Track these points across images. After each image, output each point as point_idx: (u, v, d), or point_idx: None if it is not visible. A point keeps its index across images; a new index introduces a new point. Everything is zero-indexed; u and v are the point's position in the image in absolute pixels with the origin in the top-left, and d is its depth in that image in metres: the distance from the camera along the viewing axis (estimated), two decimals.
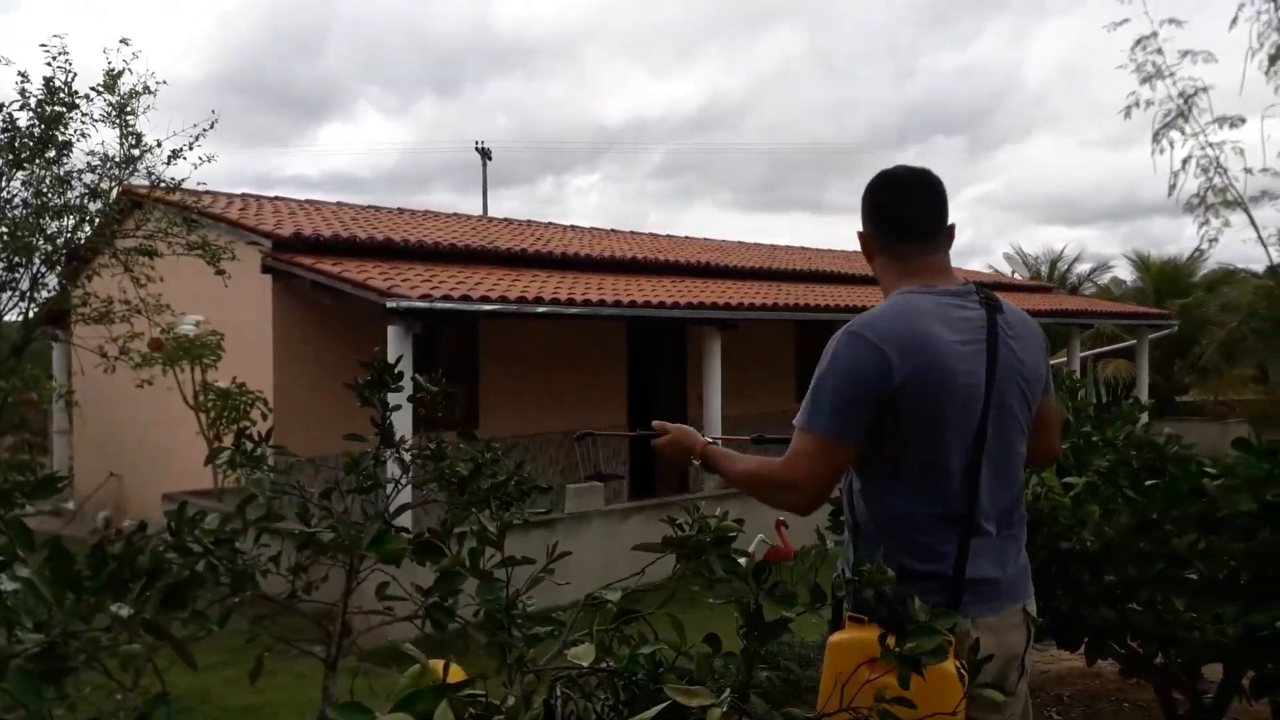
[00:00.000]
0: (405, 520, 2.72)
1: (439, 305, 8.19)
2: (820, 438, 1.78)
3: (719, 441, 2.17)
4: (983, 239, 78.26)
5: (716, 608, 1.80)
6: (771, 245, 19.02)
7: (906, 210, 1.94)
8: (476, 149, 30.79)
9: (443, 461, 2.80)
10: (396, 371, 2.73)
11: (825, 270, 15.48)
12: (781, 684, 1.78)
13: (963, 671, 1.59)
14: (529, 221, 15.70)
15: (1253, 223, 8.18)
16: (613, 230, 16.64)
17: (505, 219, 15.68)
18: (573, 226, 16.18)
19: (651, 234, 17.29)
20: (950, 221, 1.95)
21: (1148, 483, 3.12)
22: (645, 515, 9.22)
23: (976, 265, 33.03)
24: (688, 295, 10.66)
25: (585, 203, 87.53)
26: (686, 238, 17.70)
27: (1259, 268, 13.93)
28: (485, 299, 8.60)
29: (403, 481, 2.81)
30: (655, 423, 2.25)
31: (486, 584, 1.85)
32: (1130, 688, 4.28)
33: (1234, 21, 8.00)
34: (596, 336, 11.65)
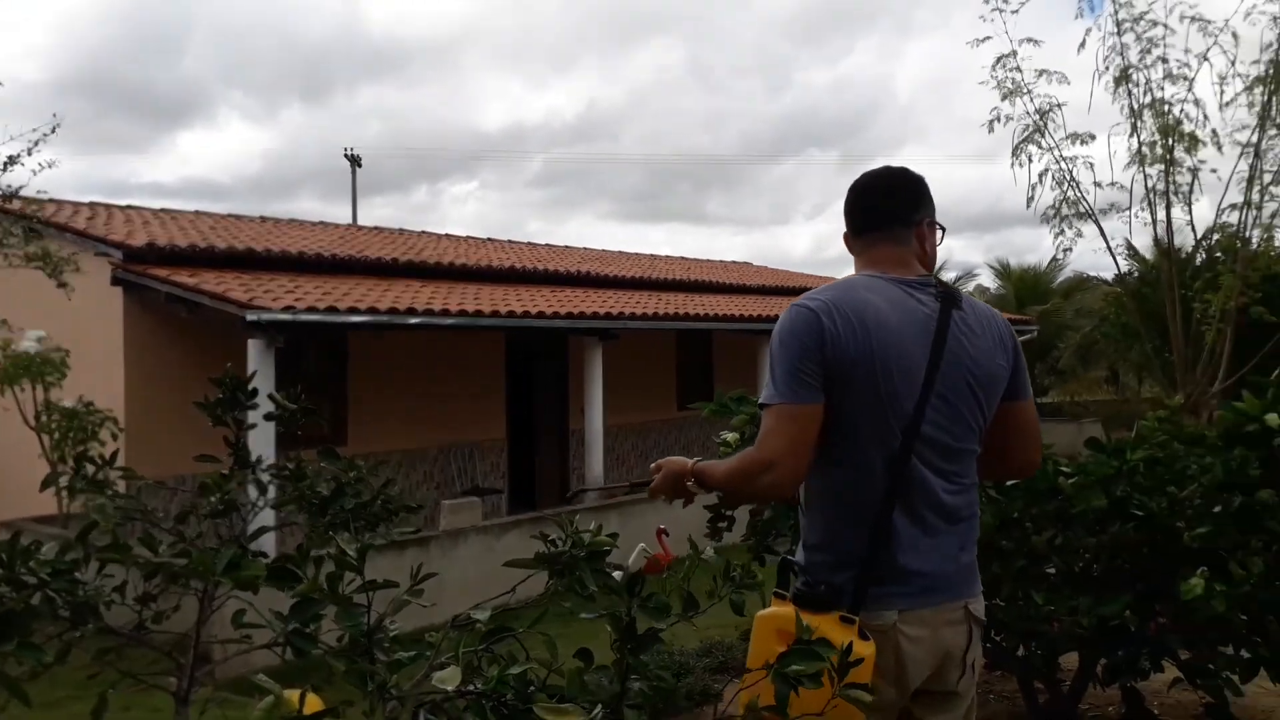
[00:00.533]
0: (269, 543, 2.58)
1: (304, 317, 7.88)
2: (779, 407, 1.77)
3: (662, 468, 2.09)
4: None
5: (592, 622, 1.76)
6: (652, 255, 19.19)
7: (865, 203, 2.00)
8: (346, 156, 29.98)
9: (302, 482, 2.67)
10: (251, 388, 2.58)
11: (706, 280, 15.71)
12: (655, 694, 1.76)
13: (834, 672, 1.60)
14: (401, 230, 15.35)
15: (1102, 234, 8.71)
16: (490, 239, 16.45)
17: (376, 228, 15.28)
18: (448, 235, 15.92)
19: (530, 243, 17.17)
20: (928, 220, 1.97)
21: (1008, 483, 3.23)
22: (525, 530, 9.09)
23: (850, 273, 33.97)
24: (568, 305, 10.61)
25: (462, 211, 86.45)
26: (566, 247, 17.66)
27: (1109, 275, 14.85)
28: (354, 310, 8.33)
29: (259, 504, 2.66)
30: (652, 466, 2.16)
31: (345, 610, 1.76)
32: (995, 679, 4.43)
33: (1082, 45, 8.53)
34: (473, 348, 11.46)
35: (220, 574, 2.07)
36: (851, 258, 2.02)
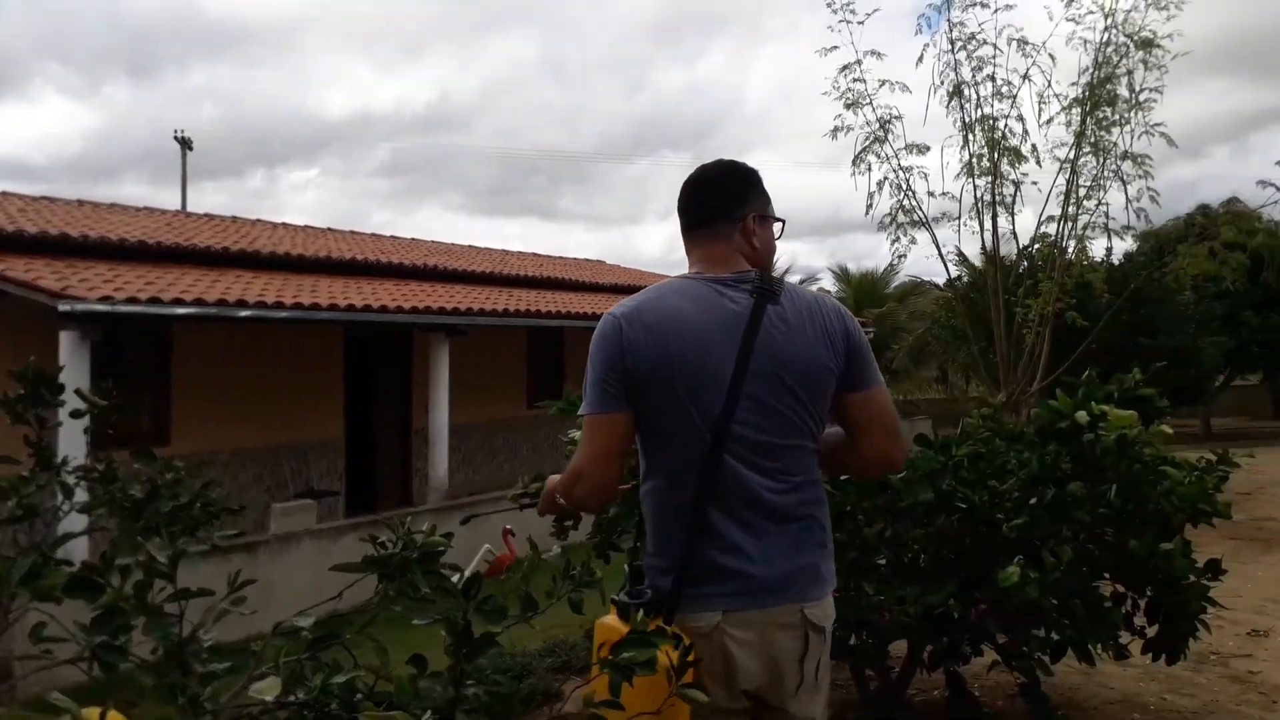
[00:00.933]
0: (79, 550, 2.37)
1: (123, 309, 7.38)
2: (587, 418, 1.79)
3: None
4: None
5: (429, 628, 1.70)
6: (503, 250, 18.96)
7: (694, 198, 1.98)
8: (176, 138, 28.28)
9: (113, 484, 2.47)
10: (59, 383, 2.37)
11: (558, 277, 15.65)
12: (491, 699, 1.72)
13: (671, 671, 1.59)
14: (234, 218, 14.58)
15: (934, 241, 9.16)
16: (330, 229, 15.84)
17: (207, 215, 14.46)
18: (285, 224, 15.24)
19: (374, 234, 16.64)
20: (755, 215, 1.93)
21: (840, 478, 3.34)
22: (363, 533, 8.70)
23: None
24: (413, 299, 10.33)
25: (301, 200, 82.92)
26: (413, 239, 17.22)
27: (940, 280, 15.72)
28: (179, 301, 7.85)
29: (64, 509, 2.44)
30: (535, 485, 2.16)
31: (154, 620, 1.63)
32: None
33: (920, 60, 8.95)
34: (310, 343, 11.01)
35: (17, 584, 1.90)
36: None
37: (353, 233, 16.20)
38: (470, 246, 18.19)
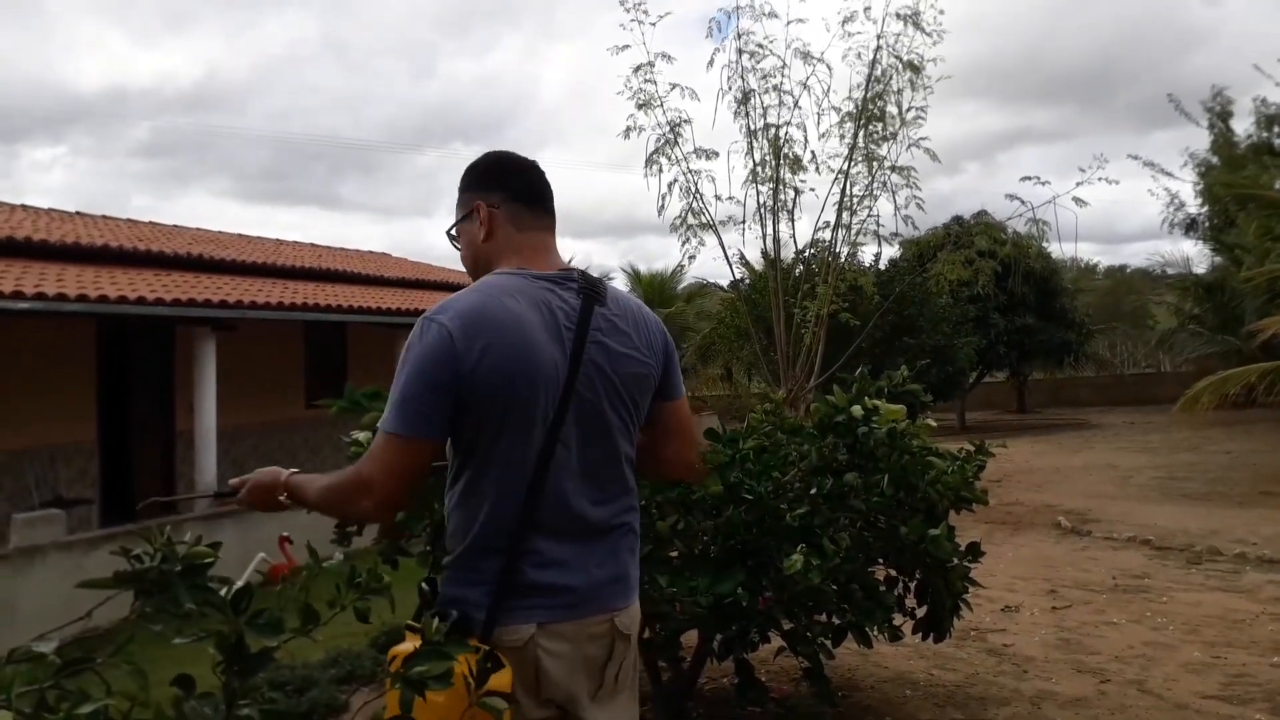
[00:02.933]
0: None
1: None
2: (390, 435, 1.61)
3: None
4: None
5: (198, 646, 1.54)
6: (278, 240, 17.90)
7: (533, 178, 1.87)
8: None
9: None
10: None
11: (339, 269, 14.90)
12: (267, 718, 1.58)
13: (469, 680, 1.53)
14: None
15: (721, 244, 9.46)
16: (79, 214, 14.40)
17: None
18: (25, 206, 13.72)
19: (131, 220, 15.27)
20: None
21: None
22: (119, 544, 8.05)
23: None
24: (175, 291, 9.54)
25: (47, 180, 75.17)
26: (175, 226, 15.94)
27: (726, 282, 16.30)
28: None
29: None
30: (232, 481, 1.93)
31: None
32: None
33: (710, 64, 9.21)
34: (57, 338, 9.97)
35: None
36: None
37: (106, 218, 14.79)
38: (240, 235, 17.04)
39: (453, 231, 1.91)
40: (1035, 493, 11.38)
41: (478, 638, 1.60)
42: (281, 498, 1.82)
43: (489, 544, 1.66)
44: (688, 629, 3.47)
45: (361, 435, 3.59)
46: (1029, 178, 8.80)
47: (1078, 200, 8.62)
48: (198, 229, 16.33)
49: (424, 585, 1.75)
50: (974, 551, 3.65)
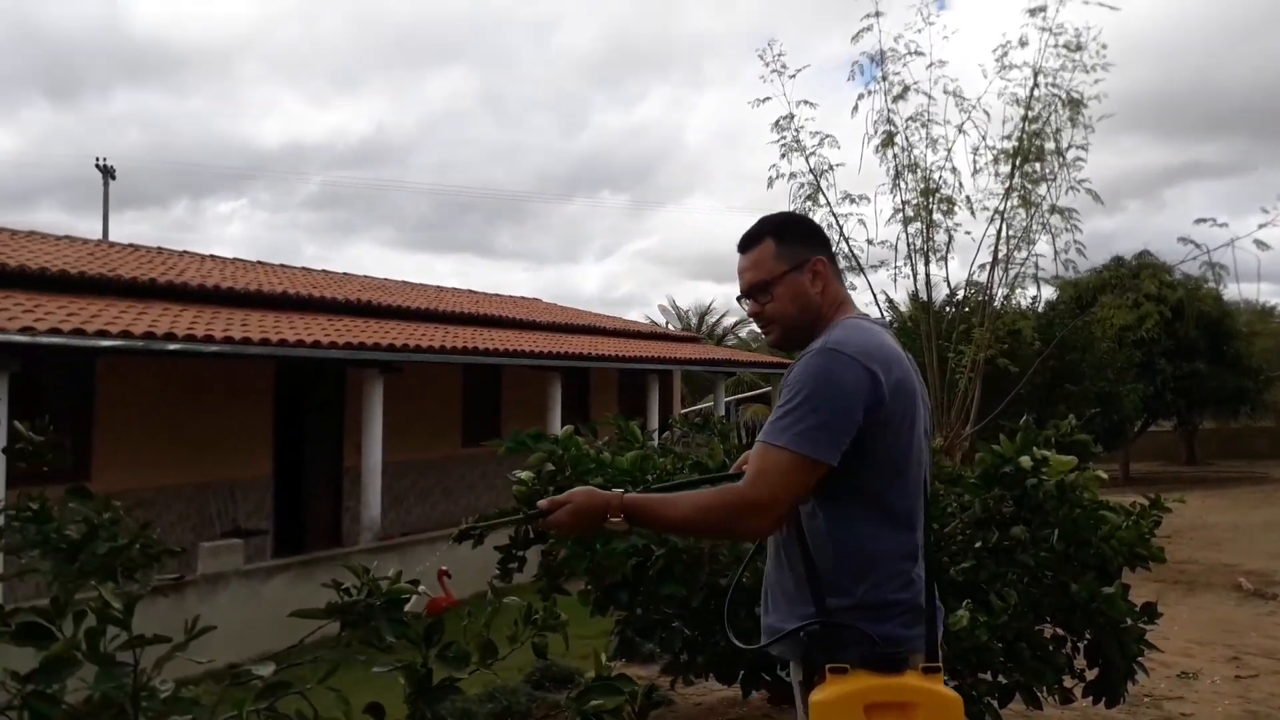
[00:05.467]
0: None
1: (44, 340, 7.09)
2: (794, 454, 1.69)
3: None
4: (641, 291, 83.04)
5: (378, 673, 1.65)
6: (438, 286, 18.77)
7: (822, 238, 2.05)
8: (97, 165, 27.55)
9: (48, 524, 2.36)
10: None
11: (494, 314, 15.52)
12: None
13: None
14: (159, 248, 14.19)
15: (870, 287, 9.32)
16: (260, 263, 15.53)
17: (131, 245, 14.04)
18: (213, 256, 14.89)
19: (305, 269, 16.35)
20: None
21: None
22: (293, 574, 8.55)
23: (635, 315, 34.82)
24: (346, 335, 10.15)
25: (228, 231, 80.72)
26: (345, 274, 16.96)
27: None
28: (103, 334, 7.58)
29: None
30: (543, 501, 1.90)
31: (107, 669, 1.56)
32: (778, 713, 4.57)
33: (855, 109, 9.16)
34: (239, 379, 10.74)
35: None
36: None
37: (283, 266, 15.90)
38: (404, 282, 17.97)
39: (766, 280, 1.94)
40: (1211, 551, 10.61)
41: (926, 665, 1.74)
42: (615, 519, 1.81)
43: (899, 571, 1.80)
44: None
45: (525, 475, 3.73)
46: (1204, 219, 8.22)
47: (1259, 243, 8.01)
48: (365, 276, 17.31)
49: (810, 625, 1.77)
50: (1150, 613, 3.46)
